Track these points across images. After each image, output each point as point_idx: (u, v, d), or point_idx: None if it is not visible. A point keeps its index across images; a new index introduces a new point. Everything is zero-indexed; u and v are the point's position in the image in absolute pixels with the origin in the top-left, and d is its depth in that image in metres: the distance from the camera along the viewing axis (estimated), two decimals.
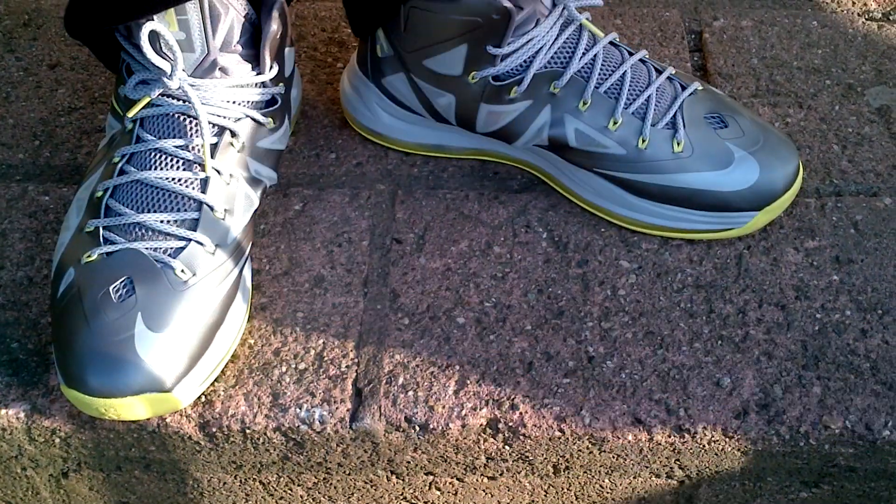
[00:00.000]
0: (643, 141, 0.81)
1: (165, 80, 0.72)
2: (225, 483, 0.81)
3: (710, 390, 0.75)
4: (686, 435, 0.74)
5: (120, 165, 0.74)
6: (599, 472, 0.78)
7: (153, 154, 0.74)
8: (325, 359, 0.77)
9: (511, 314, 0.79)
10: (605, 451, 0.75)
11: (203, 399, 0.74)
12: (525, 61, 0.80)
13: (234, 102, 0.76)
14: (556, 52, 0.81)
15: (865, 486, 0.79)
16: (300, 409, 0.74)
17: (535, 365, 0.76)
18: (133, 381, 0.67)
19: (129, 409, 0.68)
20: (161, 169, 0.73)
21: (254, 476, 0.80)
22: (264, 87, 0.78)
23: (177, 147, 0.74)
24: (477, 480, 0.80)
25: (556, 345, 0.78)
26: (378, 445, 0.75)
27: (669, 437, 0.74)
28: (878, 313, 0.79)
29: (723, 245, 0.83)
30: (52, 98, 0.97)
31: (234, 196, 0.75)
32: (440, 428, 0.74)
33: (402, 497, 0.83)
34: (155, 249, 0.71)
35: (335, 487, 0.81)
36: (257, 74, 0.77)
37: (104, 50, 0.79)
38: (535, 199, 0.87)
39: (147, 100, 0.73)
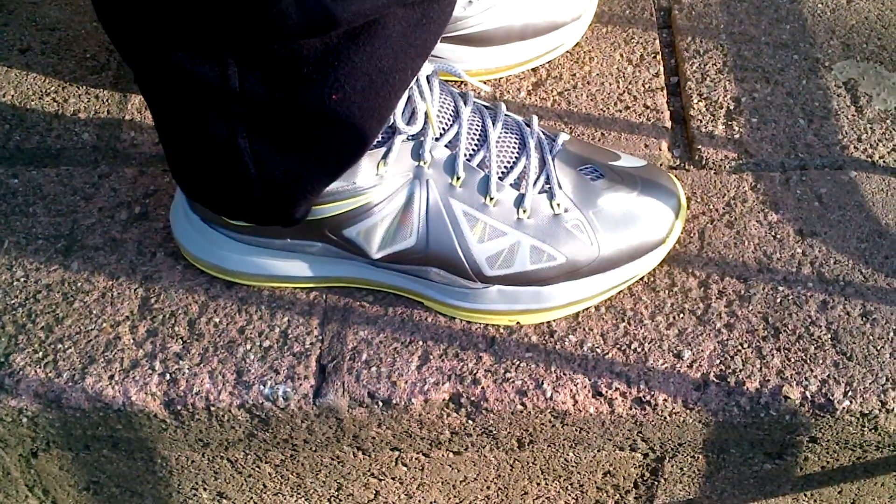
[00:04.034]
0: None
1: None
2: (193, 461, 0.82)
3: (671, 363, 0.76)
4: (647, 407, 0.74)
5: None
6: (563, 445, 0.79)
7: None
8: (290, 336, 0.78)
9: None
10: (567, 425, 0.76)
11: (168, 377, 0.75)
12: None
13: None
14: None
15: (829, 457, 0.80)
16: (264, 385, 0.75)
17: (498, 340, 0.77)
18: None
19: None
20: None
21: (221, 454, 0.81)
22: None
23: None
24: (443, 455, 0.81)
25: None
26: (342, 421, 0.76)
27: (630, 409, 0.75)
28: (840, 285, 0.80)
29: (686, 219, 0.84)
30: (23, 82, 0.97)
31: None
32: (403, 403, 0.75)
33: (369, 473, 0.83)
34: None
35: (302, 464, 0.82)
36: None
37: None
38: None
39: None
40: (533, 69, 0.97)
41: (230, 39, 0.61)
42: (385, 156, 0.72)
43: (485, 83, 0.95)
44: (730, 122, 0.91)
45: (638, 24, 1.01)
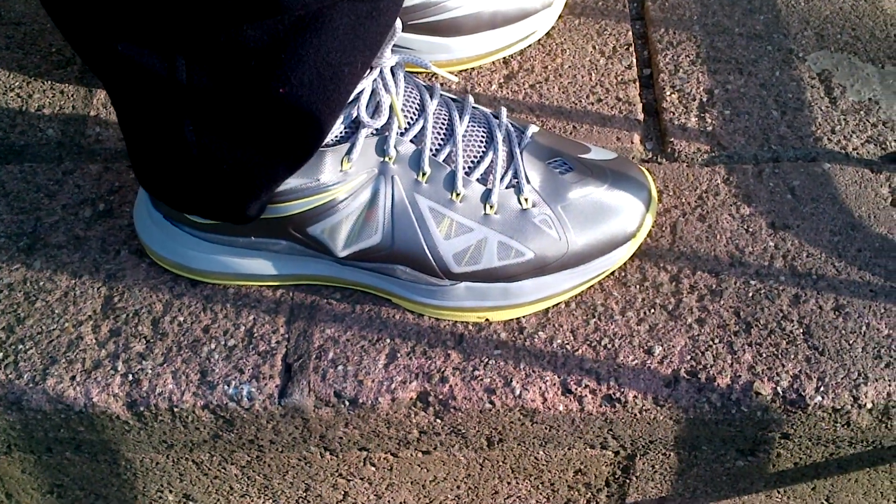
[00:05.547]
0: None
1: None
2: (157, 463, 0.80)
3: (642, 359, 0.75)
4: (617, 404, 0.73)
5: None
6: (533, 443, 0.78)
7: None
8: (256, 335, 0.76)
9: None
10: (536, 423, 0.75)
11: (130, 378, 0.74)
12: None
13: None
14: None
15: (801, 454, 0.79)
16: (228, 385, 0.74)
17: (467, 337, 0.76)
18: None
19: None
20: None
21: (186, 455, 0.79)
22: None
23: None
24: (411, 455, 0.80)
25: None
26: (308, 421, 0.75)
27: (600, 406, 0.74)
28: (813, 278, 0.79)
29: (658, 213, 0.83)
30: None
31: None
32: (369, 402, 0.73)
33: (337, 474, 0.82)
34: None
35: (269, 465, 0.81)
36: None
37: None
38: None
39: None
40: (504, 61, 0.96)
41: (176, 28, 0.60)
42: (349, 151, 0.71)
43: (455, 75, 0.94)
44: (702, 115, 0.90)
45: (611, 16, 1.00)
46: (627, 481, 0.83)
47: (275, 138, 0.66)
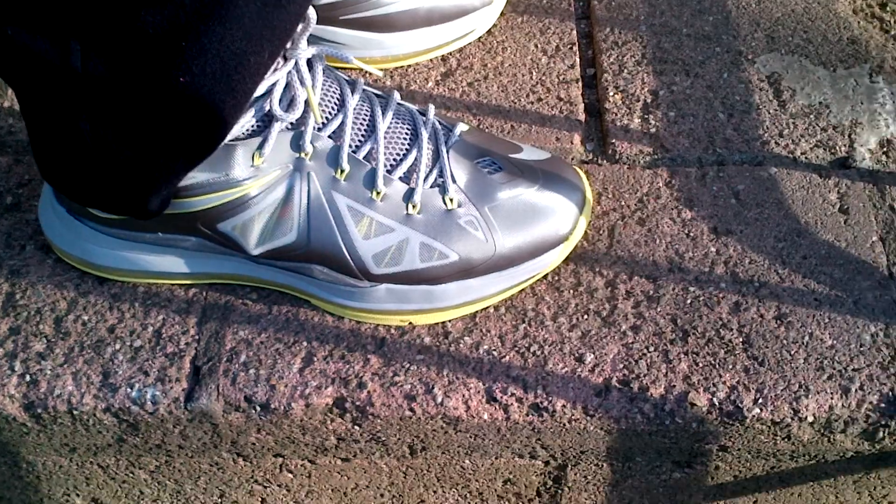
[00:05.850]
0: None
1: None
2: (61, 466, 0.76)
3: (572, 366, 0.71)
4: (545, 413, 0.70)
5: None
6: (458, 452, 0.74)
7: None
8: (164, 336, 0.72)
9: None
10: (460, 431, 0.71)
11: (28, 378, 0.69)
12: None
13: None
14: None
15: (741, 466, 0.76)
16: (131, 388, 0.69)
17: (388, 341, 0.72)
18: None
19: None
20: None
21: (90, 459, 0.75)
22: None
23: None
24: (330, 462, 0.76)
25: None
26: (218, 427, 0.71)
27: (527, 415, 0.70)
28: (755, 286, 0.75)
29: (596, 216, 0.79)
30: None
31: None
32: (282, 408, 0.69)
33: (252, 480, 0.78)
34: None
35: (179, 471, 0.76)
36: None
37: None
38: None
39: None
40: (443, 58, 0.92)
41: (70, 11, 0.56)
42: (261, 146, 0.67)
43: (390, 72, 0.91)
44: (646, 116, 0.87)
45: (555, 14, 0.96)
46: (560, 492, 0.79)
47: (174, 130, 0.62)
